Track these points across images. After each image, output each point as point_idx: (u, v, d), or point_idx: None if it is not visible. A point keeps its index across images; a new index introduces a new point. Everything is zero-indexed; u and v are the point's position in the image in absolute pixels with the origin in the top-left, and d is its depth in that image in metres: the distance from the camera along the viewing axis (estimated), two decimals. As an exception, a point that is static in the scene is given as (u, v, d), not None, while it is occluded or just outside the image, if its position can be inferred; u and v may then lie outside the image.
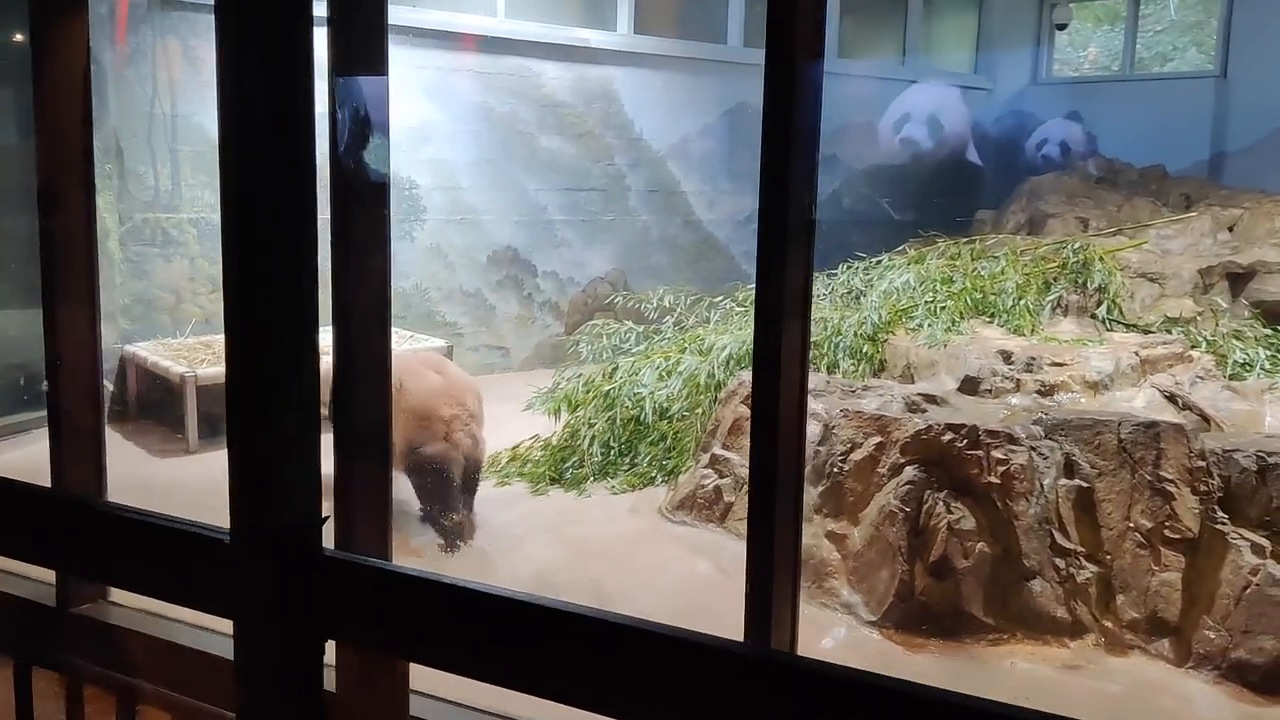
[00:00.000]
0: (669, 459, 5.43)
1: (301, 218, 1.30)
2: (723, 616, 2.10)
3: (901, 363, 5.62)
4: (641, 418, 5.56)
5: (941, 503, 3.85)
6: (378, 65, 2.10)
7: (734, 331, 5.91)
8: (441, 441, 4.65)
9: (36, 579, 3.72)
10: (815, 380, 5.02)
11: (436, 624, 1.33)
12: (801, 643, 2.00)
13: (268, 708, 1.33)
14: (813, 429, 4.52)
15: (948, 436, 3.96)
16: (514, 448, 5.71)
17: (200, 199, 6.63)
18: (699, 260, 9.05)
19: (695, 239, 9.04)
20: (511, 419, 6.50)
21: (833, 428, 4.28)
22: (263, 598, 1.32)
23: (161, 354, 6.08)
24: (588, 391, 5.76)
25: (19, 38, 6.15)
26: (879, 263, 7.03)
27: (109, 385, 6.31)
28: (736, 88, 9.07)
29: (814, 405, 4.63)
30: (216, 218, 6.84)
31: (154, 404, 6.25)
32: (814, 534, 4.15)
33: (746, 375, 5.05)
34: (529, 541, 4.68)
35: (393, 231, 7.31)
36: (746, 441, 4.91)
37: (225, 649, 3.45)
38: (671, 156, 8.80)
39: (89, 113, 3.46)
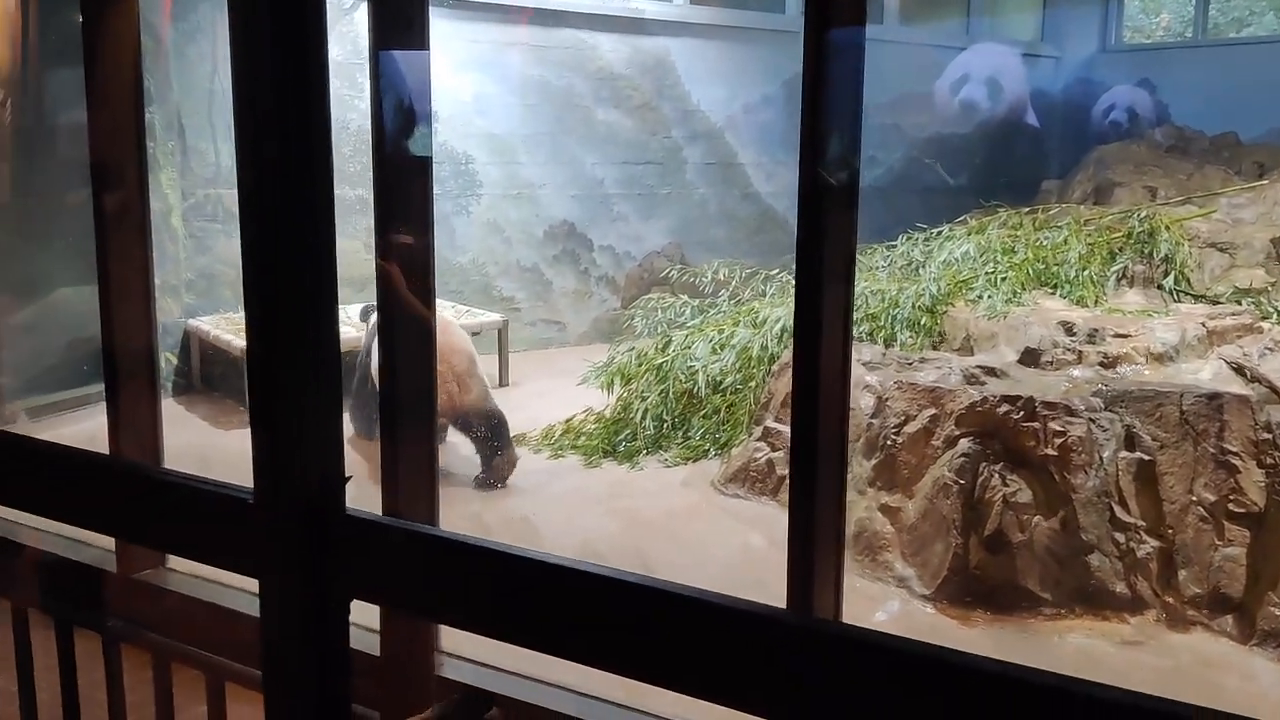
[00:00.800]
0: (722, 432, 5.40)
1: (316, 190, 1.29)
2: (774, 588, 2.09)
3: (961, 335, 5.52)
4: (695, 391, 5.54)
5: (997, 475, 3.78)
6: (420, 39, 2.10)
7: (788, 304, 5.84)
8: None
9: (99, 546, 3.81)
10: (871, 353, 4.96)
11: (458, 584, 1.32)
12: (854, 616, 1.97)
13: (290, 664, 1.33)
14: (866, 401, 4.47)
15: (1004, 408, 3.88)
16: (567, 421, 5.72)
17: (260, 175, 6.71)
18: (757, 233, 8.97)
19: (753, 211, 8.97)
20: (567, 393, 6.51)
21: (886, 400, 4.22)
22: (285, 556, 1.32)
23: (223, 328, 6.18)
24: (640, 365, 5.74)
25: (80, 16, 6.25)
26: (938, 233, 6.91)
27: (173, 359, 6.43)
28: (794, 57, 8.88)
29: (868, 377, 4.57)
30: (275, 193, 6.93)
31: (216, 377, 6.37)
32: (867, 507, 4.10)
33: (800, 347, 5.00)
34: (580, 513, 4.69)
35: (449, 206, 7.39)
36: (800, 414, 4.87)
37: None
38: (729, 128, 8.72)
39: (141, 89, 3.50)
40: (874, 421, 4.21)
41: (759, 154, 8.92)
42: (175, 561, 3.73)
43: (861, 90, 1.83)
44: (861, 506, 4.11)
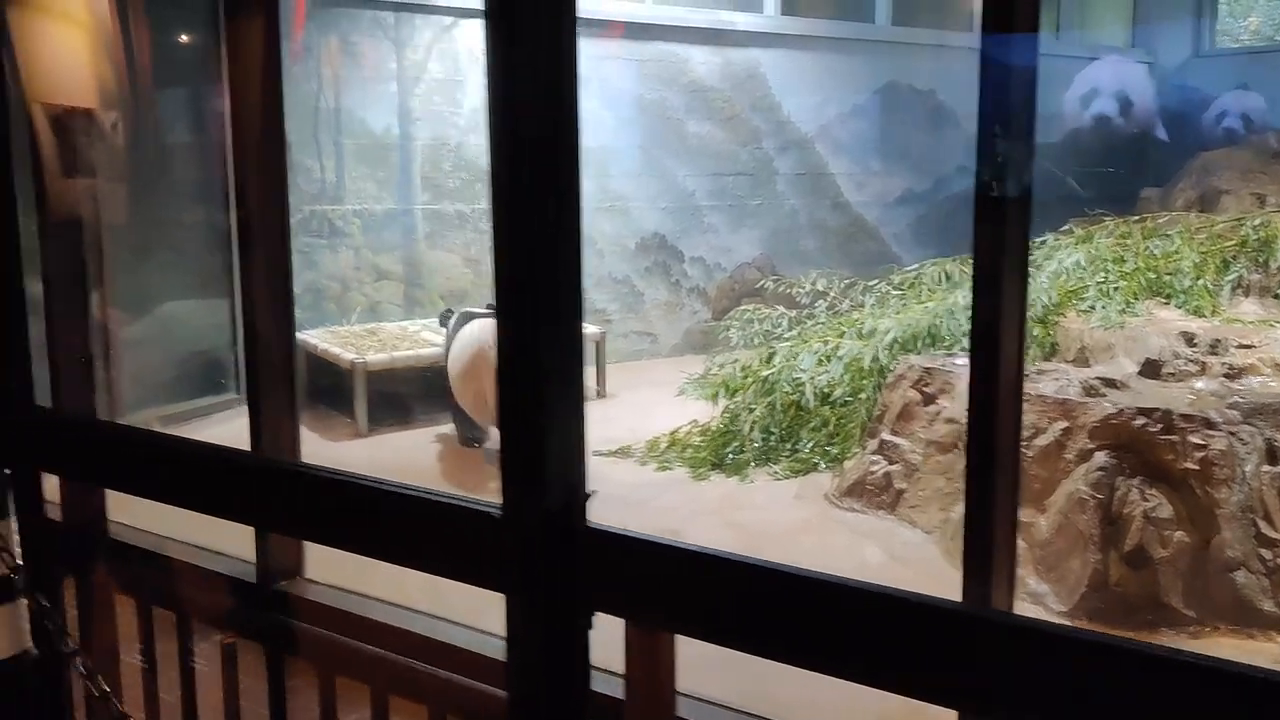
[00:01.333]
0: (832, 445, 5.35)
1: (564, 210, 1.30)
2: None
3: (1075, 346, 5.41)
4: (802, 403, 5.49)
5: (1135, 490, 3.69)
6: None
7: (895, 315, 5.79)
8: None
9: (235, 557, 3.87)
10: (986, 364, 4.88)
11: (705, 596, 1.31)
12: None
13: (537, 678, 1.33)
14: (989, 413, 4.39)
15: (1139, 421, 3.79)
16: (672, 433, 5.70)
17: (363, 191, 6.81)
18: (849, 243, 8.90)
19: (844, 222, 8.90)
20: (665, 404, 6.51)
21: (1013, 412, 4.14)
22: (531, 571, 1.32)
23: (331, 341, 6.27)
24: (745, 377, 5.71)
25: (185, 38, 6.39)
26: (1043, 243, 6.79)
27: (279, 372, 6.53)
28: (885, 67, 8.89)
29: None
30: (379, 209, 7.03)
31: (324, 390, 6.45)
32: (995, 521, 4.02)
33: (915, 359, 4.94)
34: (692, 525, 4.67)
35: (548, 219, 7.28)
36: (916, 427, 4.80)
37: (420, 625, 3.51)
38: (820, 138, 8.67)
39: (280, 108, 3.57)
40: (1000, 434, 4.14)
41: (850, 164, 8.86)
42: (313, 571, 3.78)
43: (1035, 96, 1.81)
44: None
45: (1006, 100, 1.79)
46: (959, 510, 4.22)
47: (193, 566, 3.73)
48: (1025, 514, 4.01)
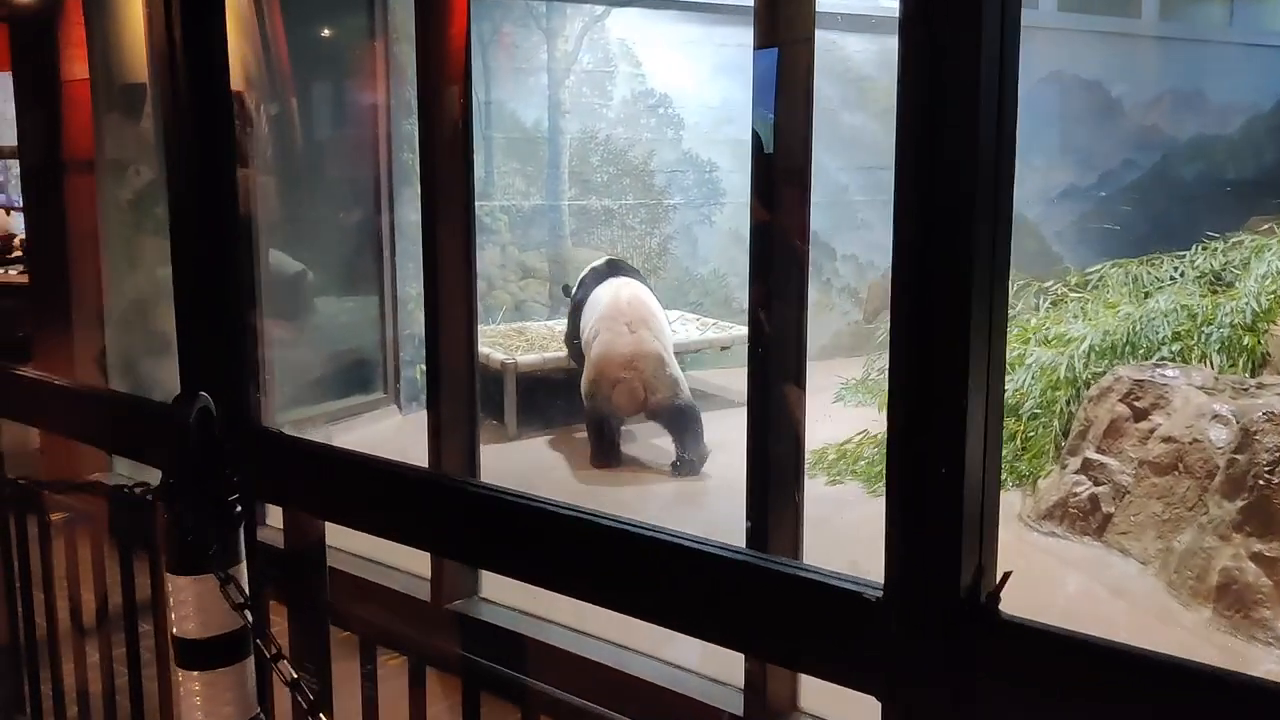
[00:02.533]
0: (1019, 461, 4.94)
1: (996, 232, 1.00)
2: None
3: (1294, 357, 4.91)
4: (985, 414, 5.09)
5: None
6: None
7: (1089, 319, 5.34)
8: (605, 397, 5.31)
9: (408, 572, 3.66)
10: (1202, 377, 4.43)
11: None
12: None
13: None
14: (1218, 434, 3.96)
15: None
16: (842, 444, 5.36)
17: (511, 186, 6.62)
18: (1006, 242, 8.40)
19: (1002, 219, 8.40)
20: (822, 411, 6.15)
21: (1254, 433, 3.70)
22: (923, 666, 1.02)
23: (478, 341, 6.07)
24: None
25: (327, 32, 6.26)
26: (1238, 243, 6.25)
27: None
28: (1049, 55, 8.38)
29: (1215, 405, 4.06)
30: (527, 204, 6.83)
31: (471, 391, 6.27)
32: (1234, 556, 3.60)
33: (1124, 370, 4.51)
34: (876, 550, 4.30)
35: (693, 216, 7.09)
36: (1126, 445, 4.37)
37: (602, 654, 3.24)
38: (979, 132, 8.19)
39: (469, 104, 3.33)
40: (1238, 458, 3.70)
41: (1010, 158, 8.36)
42: (488, 589, 3.54)
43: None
44: (1227, 555, 3.61)
45: None
46: (1183, 540, 3.81)
47: (367, 583, 3.53)
48: (1271, 548, 3.57)
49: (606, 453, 5.46)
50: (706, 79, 7.19)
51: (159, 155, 4.86)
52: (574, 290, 5.98)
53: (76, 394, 2.27)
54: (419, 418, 6.39)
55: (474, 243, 3.47)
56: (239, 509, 1.45)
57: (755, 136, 2.69)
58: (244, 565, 1.44)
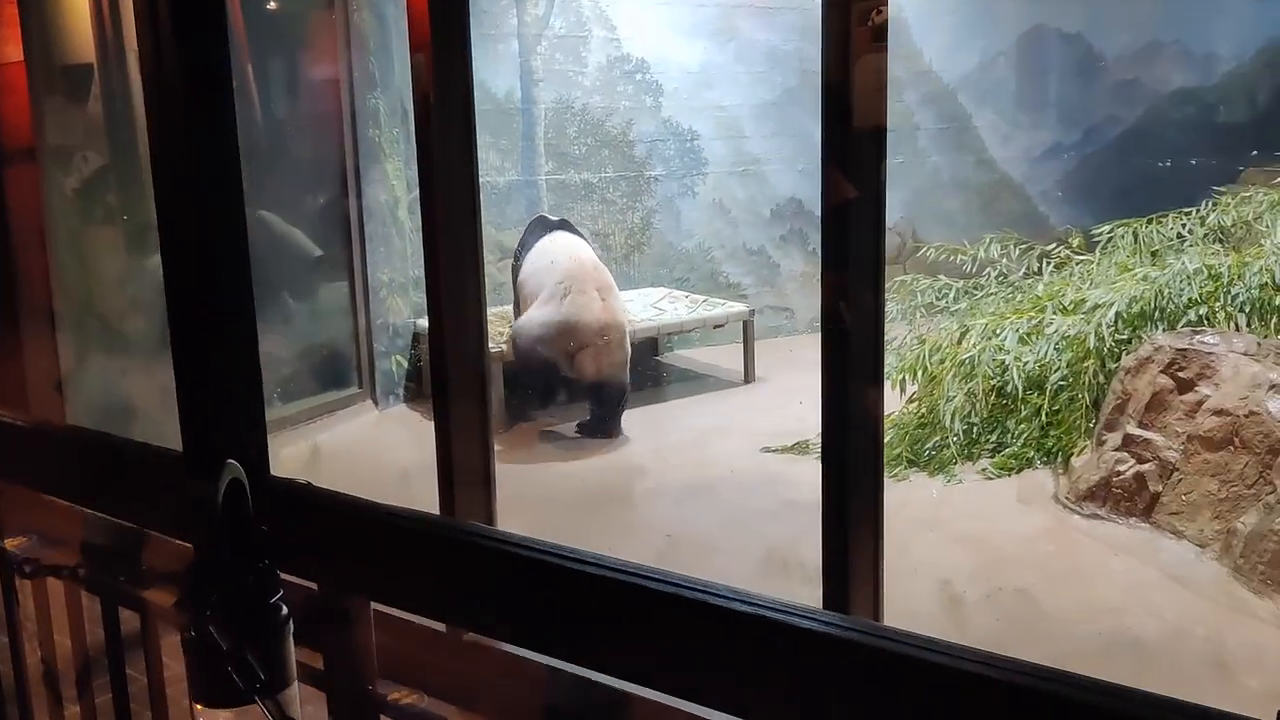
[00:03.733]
0: (1048, 437, 4.68)
1: None
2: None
3: (1328, 318, 4.67)
4: (1006, 389, 4.82)
5: None
6: None
7: (1109, 283, 5.06)
8: (565, 355, 5.32)
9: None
10: (1245, 342, 4.18)
11: None
12: None
13: None
14: (1278, 405, 3.70)
15: None
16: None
17: (485, 161, 6.21)
18: (992, 203, 8.15)
19: (988, 180, 8.15)
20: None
21: (1325, 405, 3.45)
22: None
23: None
24: (941, 360, 5.03)
25: (282, 1, 5.79)
26: (1246, 198, 6.02)
27: (403, 362, 5.99)
28: (1031, 8, 8.10)
29: (1271, 375, 3.80)
30: (502, 180, 6.42)
31: (453, 382, 5.89)
32: (1311, 538, 3.35)
33: (1162, 338, 4.24)
34: (915, 541, 4.03)
35: (675, 188, 6.74)
36: (1171, 419, 4.10)
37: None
38: (962, 88, 7.92)
39: (469, 76, 2.95)
40: (1309, 432, 3.45)
41: (994, 116, 8.10)
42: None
43: None
44: (1304, 538, 3.36)
45: None
46: (1248, 521, 3.55)
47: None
48: (1351, 530, 3.32)
49: (547, 401, 5.74)
50: (685, 41, 6.82)
51: (109, 140, 4.42)
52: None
53: (30, 433, 1.89)
54: (398, 412, 6.02)
55: (480, 219, 3.08)
56: (284, 611, 1.09)
57: (828, 91, 2.31)
58: (295, 686, 1.09)
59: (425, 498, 2.82)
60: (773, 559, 3.88)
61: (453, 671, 2.13)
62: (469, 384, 3.13)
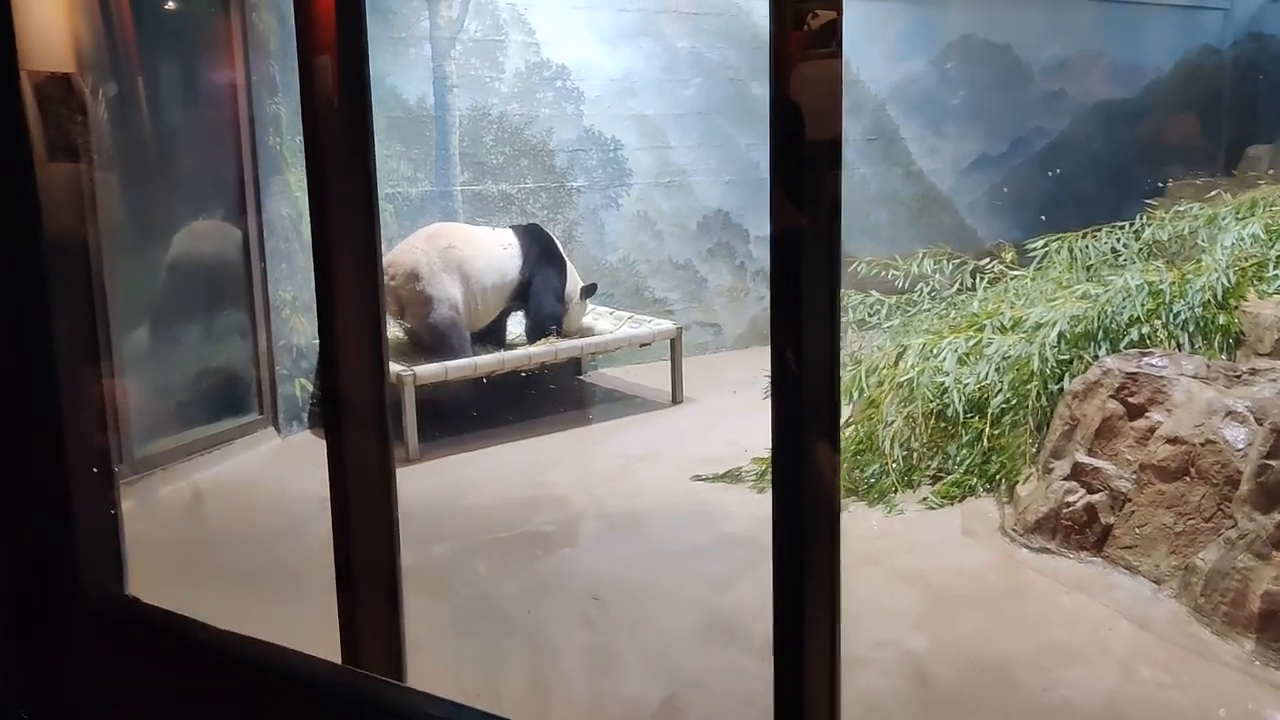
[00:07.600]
0: (990, 464, 4.47)
1: None
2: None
3: (1272, 336, 4.53)
4: (947, 412, 4.61)
5: None
6: None
7: (1049, 302, 4.88)
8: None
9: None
10: (1194, 365, 4.00)
11: None
12: None
13: None
14: (1235, 433, 3.52)
15: None
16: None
17: (396, 171, 5.85)
18: (921, 216, 8.00)
19: (916, 192, 7.99)
20: (754, 411, 5.58)
21: (1286, 434, 3.26)
22: None
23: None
24: (879, 381, 4.80)
25: (176, 1, 5.36)
26: (1180, 211, 5.92)
27: (308, 385, 5.60)
28: (958, 19, 7.98)
29: (1227, 400, 3.62)
30: (415, 191, 6.05)
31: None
32: (1277, 578, 3.15)
33: (1111, 361, 4.05)
34: (857, 579, 3.76)
35: (598, 199, 6.44)
36: (1122, 446, 3.90)
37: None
38: (891, 99, 7.75)
39: (365, 79, 2.63)
40: (1271, 464, 3.26)
41: (922, 127, 7.95)
42: None
43: None
44: (1269, 576, 3.16)
45: None
46: (1208, 557, 3.36)
47: None
48: (1318, 568, 3.14)
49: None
50: (607, 48, 6.53)
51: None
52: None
53: None
54: (301, 440, 5.61)
55: (379, 234, 2.74)
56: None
57: (777, 106, 2.02)
58: None
59: (326, 537, 2.46)
60: (714, 621, 3.56)
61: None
62: (365, 411, 2.79)
